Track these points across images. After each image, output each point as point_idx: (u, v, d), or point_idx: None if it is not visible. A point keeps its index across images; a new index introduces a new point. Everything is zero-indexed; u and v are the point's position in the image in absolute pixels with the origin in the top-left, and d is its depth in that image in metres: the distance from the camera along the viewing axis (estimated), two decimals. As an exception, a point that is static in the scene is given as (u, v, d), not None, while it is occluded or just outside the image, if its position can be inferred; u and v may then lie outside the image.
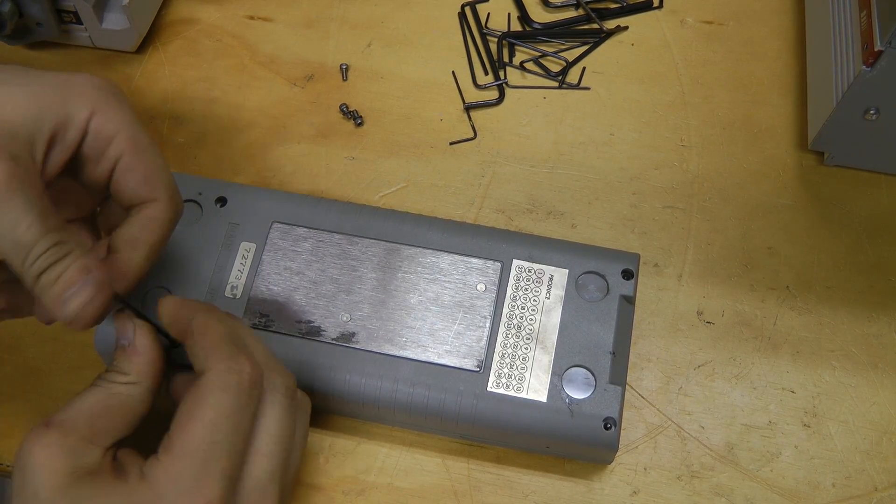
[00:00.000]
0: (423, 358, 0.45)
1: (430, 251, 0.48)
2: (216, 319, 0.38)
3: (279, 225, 0.48)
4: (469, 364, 0.45)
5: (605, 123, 0.57)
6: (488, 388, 0.44)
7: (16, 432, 0.47)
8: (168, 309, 0.40)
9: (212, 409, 0.35)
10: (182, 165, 0.55)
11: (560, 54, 0.59)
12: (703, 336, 0.50)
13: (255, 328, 0.46)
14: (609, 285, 0.47)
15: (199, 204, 0.49)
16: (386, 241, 0.48)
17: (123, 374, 0.38)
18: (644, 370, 0.49)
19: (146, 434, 0.38)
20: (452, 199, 0.54)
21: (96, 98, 0.38)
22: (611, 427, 0.44)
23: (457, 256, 0.47)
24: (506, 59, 0.59)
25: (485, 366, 0.45)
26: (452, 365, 0.45)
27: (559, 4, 0.61)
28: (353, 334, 0.45)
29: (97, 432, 0.37)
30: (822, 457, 0.47)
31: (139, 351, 0.39)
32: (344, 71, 0.59)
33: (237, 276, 0.47)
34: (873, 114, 0.49)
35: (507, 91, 0.58)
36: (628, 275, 0.47)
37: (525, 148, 0.56)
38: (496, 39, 0.60)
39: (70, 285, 0.36)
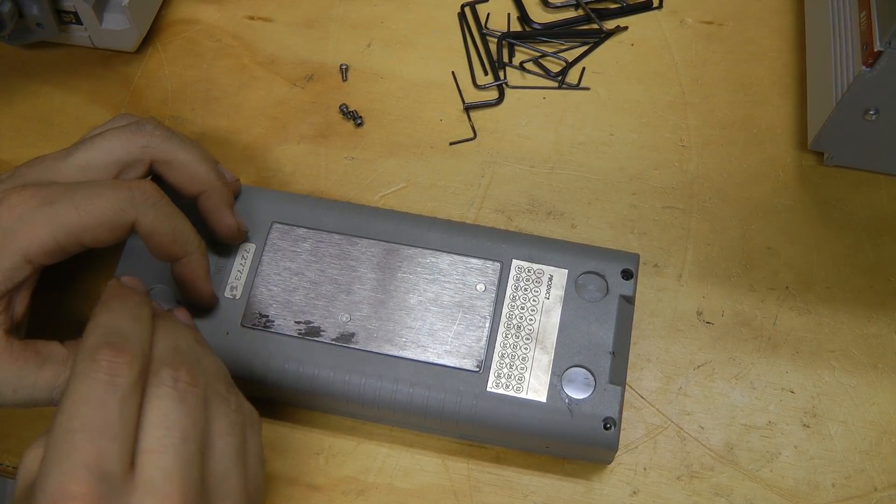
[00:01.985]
0: (422, 358, 0.45)
1: (430, 251, 0.48)
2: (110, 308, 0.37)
3: (279, 225, 0.48)
4: (469, 364, 0.45)
5: (605, 123, 0.57)
6: (488, 389, 0.44)
7: (16, 432, 0.47)
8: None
9: (69, 396, 0.33)
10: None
11: (560, 54, 0.59)
12: (702, 336, 0.50)
13: (254, 328, 0.46)
14: (609, 285, 0.47)
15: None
16: (386, 241, 0.48)
17: None
18: (644, 370, 0.49)
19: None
20: (452, 199, 0.54)
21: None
22: (610, 427, 0.44)
23: (456, 256, 0.47)
24: (506, 59, 0.59)
25: (484, 366, 0.45)
26: (452, 365, 0.45)
27: (559, 4, 0.61)
28: (352, 335, 0.45)
29: None
30: (821, 457, 0.47)
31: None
32: (344, 71, 0.59)
33: (237, 276, 0.47)
34: (873, 114, 0.49)
35: (507, 91, 0.58)
36: (628, 275, 0.47)
37: (525, 148, 0.56)
38: (496, 39, 0.60)
39: None
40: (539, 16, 0.61)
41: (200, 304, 0.45)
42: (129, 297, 0.37)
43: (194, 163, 0.45)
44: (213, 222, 0.46)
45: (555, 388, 0.44)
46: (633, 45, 0.60)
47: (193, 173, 0.45)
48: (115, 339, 0.34)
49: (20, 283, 0.40)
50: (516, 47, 0.60)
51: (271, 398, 0.47)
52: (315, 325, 0.46)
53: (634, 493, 0.46)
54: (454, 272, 0.47)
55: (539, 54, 0.59)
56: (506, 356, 0.45)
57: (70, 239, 0.40)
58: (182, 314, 0.41)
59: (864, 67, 0.47)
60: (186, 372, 0.35)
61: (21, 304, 0.41)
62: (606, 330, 0.46)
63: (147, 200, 0.41)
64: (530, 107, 0.58)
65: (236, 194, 0.49)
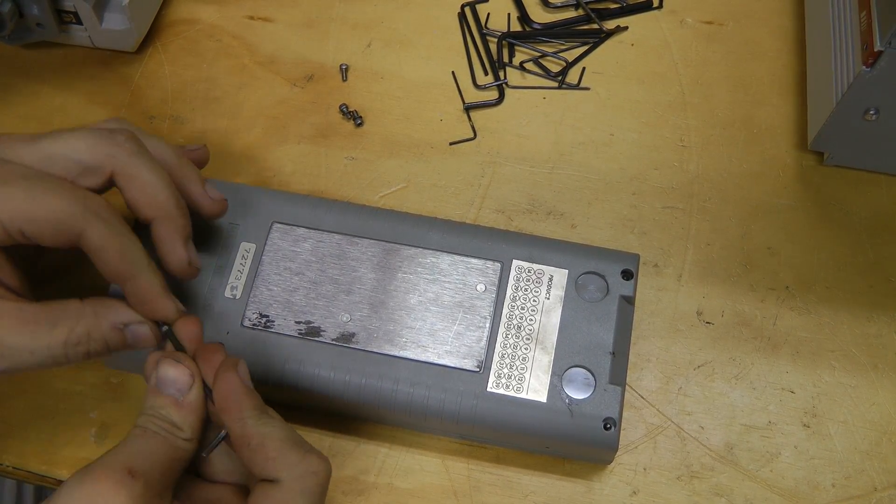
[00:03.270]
0: (422, 358, 0.45)
1: (430, 251, 0.48)
2: (272, 425, 0.38)
3: (279, 225, 0.48)
4: (469, 364, 0.45)
5: (605, 123, 0.57)
6: (488, 389, 0.44)
7: (16, 432, 0.47)
8: (221, 392, 0.39)
9: None
10: (182, 165, 0.55)
11: (560, 54, 0.59)
12: (702, 336, 0.50)
13: (254, 328, 0.46)
14: (609, 285, 0.47)
15: (199, 204, 0.49)
16: (386, 241, 0.48)
17: (178, 427, 0.38)
18: (644, 370, 0.49)
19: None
20: (452, 199, 0.54)
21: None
22: (611, 427, 0.44)
23: (457, 257, 0.47)
24: (506, 59, 0.59)
25: (485, 366, 0.45)
26: (452, 365, 0.45)
27: (559, 4, 0.61)
28: (352, 335, 0.45)
29: (165, 488, 0.37)
30: (821, 457, 0.47)
31: (195, 408, 0.39)
32: (344, 71, 0.59)
33: (237, 276, 0.47)
34: (873, 114, 0.49)
35: (507, 91, 0.58)
36: (628, 275, 0.47)
37: (525, 148, 0.56)
38: (496, 39, 0.60)
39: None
40: (539, 16, 0.61)
41: (166, 322, 0.42)
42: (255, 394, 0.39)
43: (156, 186, 0.42)
44: (164, 253, 0.43)
45: (555, 388, 0.44)
46: (633, 45, 0.60)
47: (152, 195, 0.42)
48: (308, 447, 0.38)
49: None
50: (516, 47, 0.60)
51: (271, 398, 0.47)
52: (315, 325, 0.46)
53: (634, 493, 0.46)
54: (454, 272, 0.47)
55: (539, 54, 0.59)
56: (506, 356, 0.45)
57: (13, 225, 0.39)
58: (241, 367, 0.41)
59: (864, 67, 0.47)
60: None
61: (7, 268, 0.40)
62: (606, 330, 0.46)
63: (99, 213, 0.39)
64: (530, 107, 0.58)
65: (202, 163, 0.48)
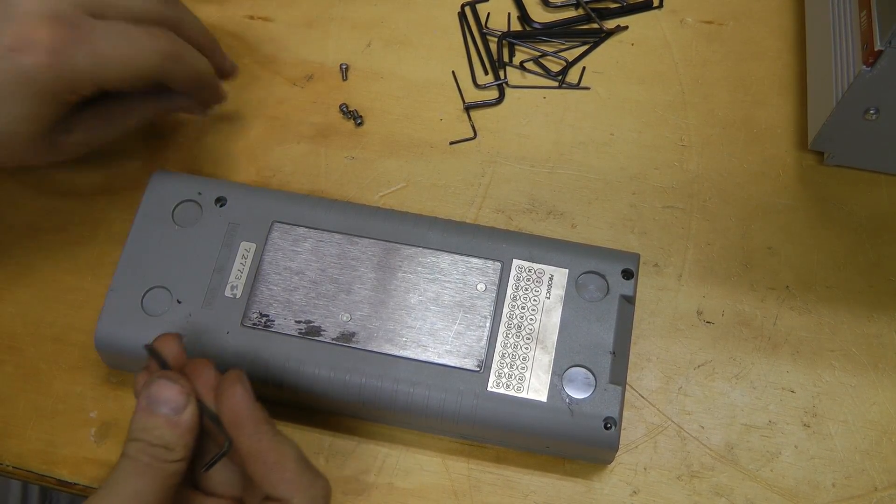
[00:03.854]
0: (423, 358, 0.45)
1: (430, 251, 0.48)
2: (288, 445, 0.38)
3: (279, 225, 0.48)
4: (469, 364, 0.45)
5: (605, 123, 0.57)
6: (488, 388, 0.44)
7: (16, 432, 0.47)
8: (232, 408, 0.38)
9: None
10: (182, 165, 0.55)
11: (560, 54, 0.59)
12: (703, 336, 0.50)
13: (254, 328, 0.46)
14: (609, 285, 0.47)
15: (199, 204, 0.49)
16: (386, 240, 0.48)
17: (171, 449, 0.37)
18: (644, 370, 0.49)
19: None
20: (452, 198, 0.54)
21: None
22: (611, 427, 0.44)
23: (457, 256, 0.47)
24: (506, 58, 0.59)
25: (485, 366, 0.45)
26: (452, 365, 0.45)
27: (559, 4, 0.61)
28: (353, 334, 0.45)
29: None
30: (822, 457, 0.47)
31: (190, 426, 0.38)
32: (344, 71, 0.59)
33: (237, 275, 0.47)
34: (873, 114, 0.49)
35: (507, 91, 0.58)
36: (628, 275, 0.47)
37: (525, 148, 0.56)
38: (496, 39, 0.60)
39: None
40: (539, 15, 0.61)
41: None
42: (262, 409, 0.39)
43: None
44: (219, 63, 0.51)
45: (555, 387, 0.44)
46: (633, 44, 0.60)
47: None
48: (315, 469, 0.38)
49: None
50: (516, 47, 0.60)
51: (271, 398, 0.47)
52: (315, 324, 0.46)
53: (635, 492, 0.46)
54: (455, 272, 0.47)
55: (539, 54, 0.59)
56: (506, 356, 0.45)
57: (109, 85, 0.44)
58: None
59: (864, 67, 0.47)
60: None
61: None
62: (607, 330, 0.46)
63: (174, 53, 0.45)
64: (530, 106, 0.58)
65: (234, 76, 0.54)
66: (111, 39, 0.43)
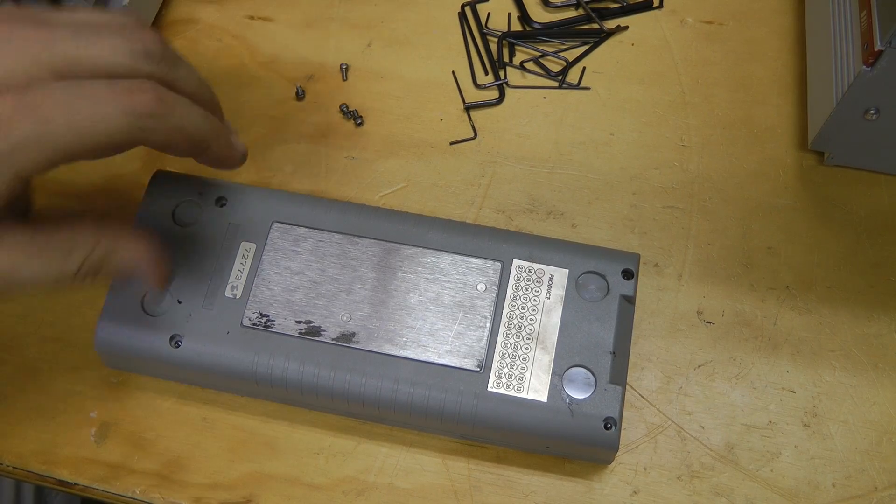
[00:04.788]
0: (423, 358, 0.45)
1: (431, 251, 0.48)
2: None
3: (279, 225, 0.48)
4: (469, 364, 0.45)
5: (605, 123, 0.57)
6: (489, 388, 0.44)
7: (16, 432, 0.47)
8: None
9: None
10: (182, 165, 0.55)
11: (560, 54, 0.59)
12: (703, 336, 0.50)
13: (255, 328, 0.46)
14: (609, 285, 0.47)
15: (199, 204, 0.49)
16: (386, 240, 0.48)
17: None
18: (644, 370, 0.49)
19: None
20: (452, 199, 0.54)
21: None
22: (611, 427, 0.44)
23: (457, 256, 0.47)
24: (506, 59, 0.59)
25: (485, 366, 0.45)
26: (453, 365, 0.45)
27: (559, 4, 0.61)
28: (353, 334, 0.45)
29: None
30: (822, 457, 0.47)
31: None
32: (344, 71, 0.59)
33: (237, 276, 0.47)
34: (873, 114, 0.49)
35: (507, 91, 0.58)
36: (629, 275, 0.47)
37: (525, 148, 0.56)
38: (496, 39, 0.60)
39: None
40: (539, 15, 0.61)
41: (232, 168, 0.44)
42: None
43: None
44: (226, 148, 0.43)
45: (555, 387, 0.44)
46: (633, 44, 0.60)
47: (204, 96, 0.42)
48: None
49: (16, 196, 0.36)
50: (516, 47, 0.60)
51: (271, 398, 0.48)
52: (315, 324, 0.46)
53: (635, 492, 0.46)
54: (455, 272, 0.47)
55: (539, 54, 0.59)
56: (506, 356, 0.45)
57: (66, 158, 0.36)
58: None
59: (864, 67, 0.47)
60: None
61: (24, 191, 0.39)
62: (607, 330, 0.46)
63: (153, 112, 0.37)
64: (530, 106, 0.58)
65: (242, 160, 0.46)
66: (69, 103, 0.35)
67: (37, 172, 0.36)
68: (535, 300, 0.46)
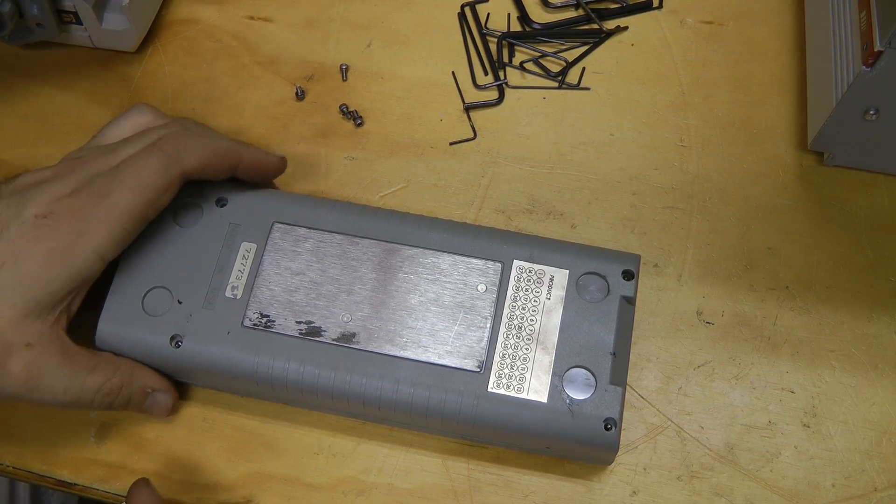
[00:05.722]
0: (423, 358, 0.45)
1: (431, 252, 0.48)
2: None
3: (280, 225, 0.48)
4: (470, 365, 0.45)
5: (605, 123, 0.57)
6: (489, 389, 0.44)
7: (16, 432, 0.47)
8: None
9: None
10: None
11: (560, 54, 0.59)
12: (702, 336, 0.50)
13: (255, 328, 0.46)
14: (609, 286, 0.47)
15: (199, 204, 0.49)
16: (386, 241, 0.48)
17: None
18: (644, 370, 0.49)
19: None
20: (452, 199, 0.54)
21: None
22: (611, 427, 0.44)
23: (457, 257, 0.47)
24: (506, 59, 0.59)
25: (485, 366, 0.45)
26: (453, 365, 0.45)
27: (559, 4, 0.61)
28: (353, 335, 0.45)
29: None
30: (821, 457, 0.47)
31: None
32: (344, 71, 0.59)
33: (238, 276, 0.47)
34: (873, 114, 0.49)
35: (507, 91, 0.58)
36: (629, 275, 0.47)
37: (525, 148, 0.56)
38: (496, 39, 0.60)
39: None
40: (539, 16, 0.61)
41: (276, 174, 0.51)
42: None
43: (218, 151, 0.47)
44: (264, 162, 0.49)
45: (556, 388, 0.44)
46: (633, 45, 0.60)
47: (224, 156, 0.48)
48: None
49: (90, 280, 0.43)
50: (516, 47, 0.60)
51: (271, 398, 0.48)
52: (316, 325, 0.46)
53: (635, 493, 0.46)
54: (455, 272, 0.47)
55: (539, 54, 0.59)
56: (507, 356, 0.45)
57: (136, 221, 0.44)
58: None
59: (864, 67, 0.47)
60: None
61: (78, 301, 0.43)
62: (607, 330, 0.46)
63: (180, 150, 0.45)
64: (530, 107, 0.58)
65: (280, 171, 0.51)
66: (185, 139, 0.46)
67: (114, 246, 0.43)
68: (535, 301, 0.46)
